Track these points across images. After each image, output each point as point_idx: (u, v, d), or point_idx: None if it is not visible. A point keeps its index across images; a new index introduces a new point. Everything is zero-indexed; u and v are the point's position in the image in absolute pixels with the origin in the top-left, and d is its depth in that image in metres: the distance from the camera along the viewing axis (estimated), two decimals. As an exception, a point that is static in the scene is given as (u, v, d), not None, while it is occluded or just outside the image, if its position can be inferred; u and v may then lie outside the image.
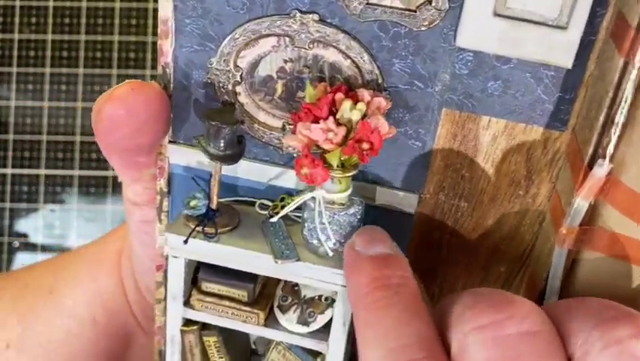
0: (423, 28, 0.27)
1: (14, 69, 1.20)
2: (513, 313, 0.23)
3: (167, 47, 0.29)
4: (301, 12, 0.27)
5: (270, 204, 0.32)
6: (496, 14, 0.25)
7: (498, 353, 0.22)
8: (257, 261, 0.30)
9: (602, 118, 0.25)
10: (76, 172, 1.20)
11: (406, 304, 0.25)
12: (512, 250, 0.31)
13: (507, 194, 0.30)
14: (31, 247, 1.23)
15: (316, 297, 0.32)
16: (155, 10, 1.16)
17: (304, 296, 0.32)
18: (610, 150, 0.25)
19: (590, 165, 0.25)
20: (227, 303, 0.31)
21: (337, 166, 0.28)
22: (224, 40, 0.28)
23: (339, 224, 0.29)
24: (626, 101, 0.24)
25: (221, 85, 0.30)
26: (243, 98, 0.30)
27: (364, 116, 0.27)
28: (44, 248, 1.23)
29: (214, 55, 0.29)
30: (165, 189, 0.32)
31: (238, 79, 0.29)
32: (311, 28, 0.28)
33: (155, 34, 1.21)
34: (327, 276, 0.29)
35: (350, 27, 0.27)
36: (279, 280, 0.32)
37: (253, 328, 0.32)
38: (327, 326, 0.31)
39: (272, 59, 0.29)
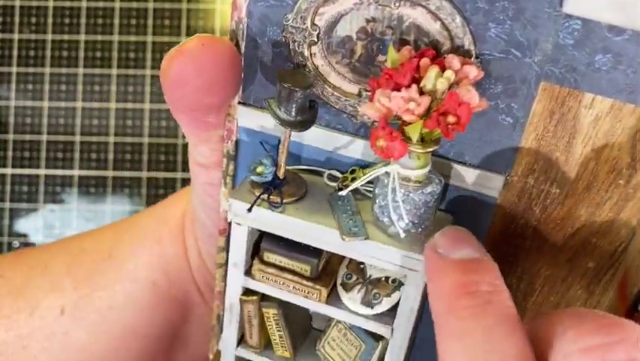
0: (526, -10, 0.24)
1: (14, 69, 1.22)
2: (623, 337, 0.21)
3: (241, 0, 0.27)
4: None
5: (339, 175, 0.30)
6: None
7: None
8: (322, 236, 0.28)
9: None
10: (76, 172, 1.21)
11: (498, 315, 0.22)
12: (604, 245, 0.28)
13: (605, 182, 0.27)
14: (31, 247, 1.25)
15: (383, 278, 0.30)
16: (155, 10, 1.17)
17: (370, 276, 0.30)
18: None
19: None
20: (288, 276, 0.30)
21: (417, 140, 0.26)
22: (303, -6, 0.26)
23: (413, 203, 0.27)
24: None
25: (296, 44, 0.28)
26: (317, 60, 0.28)
27: (452, 86, 0.24)
28: (44, 248, 1.25)
29: (290, 11, 0.27)
30: (232, 153, 0.31)
31: (314, 38, 0.27)
32: (398, -16, 0.25)
33: (155, 34, 1.21)
34: (397, 258, 0.27)
35: None
36: (343, 256, 0.31)
37: (314, 304, 0.30)
38: (393, 310, 0.29)
39: (352, 18, 0.27)
